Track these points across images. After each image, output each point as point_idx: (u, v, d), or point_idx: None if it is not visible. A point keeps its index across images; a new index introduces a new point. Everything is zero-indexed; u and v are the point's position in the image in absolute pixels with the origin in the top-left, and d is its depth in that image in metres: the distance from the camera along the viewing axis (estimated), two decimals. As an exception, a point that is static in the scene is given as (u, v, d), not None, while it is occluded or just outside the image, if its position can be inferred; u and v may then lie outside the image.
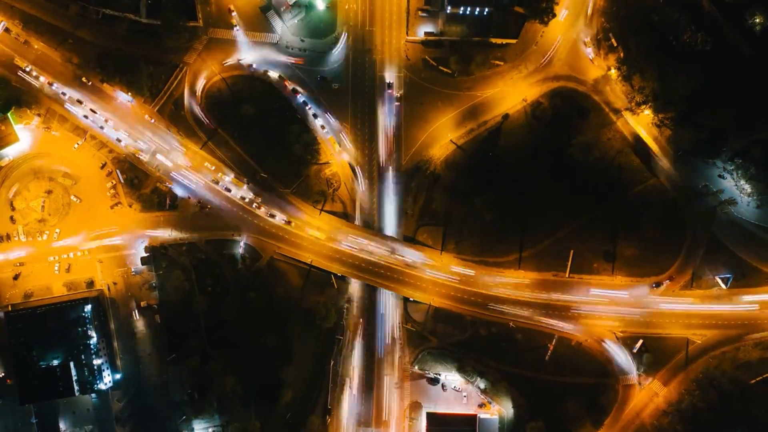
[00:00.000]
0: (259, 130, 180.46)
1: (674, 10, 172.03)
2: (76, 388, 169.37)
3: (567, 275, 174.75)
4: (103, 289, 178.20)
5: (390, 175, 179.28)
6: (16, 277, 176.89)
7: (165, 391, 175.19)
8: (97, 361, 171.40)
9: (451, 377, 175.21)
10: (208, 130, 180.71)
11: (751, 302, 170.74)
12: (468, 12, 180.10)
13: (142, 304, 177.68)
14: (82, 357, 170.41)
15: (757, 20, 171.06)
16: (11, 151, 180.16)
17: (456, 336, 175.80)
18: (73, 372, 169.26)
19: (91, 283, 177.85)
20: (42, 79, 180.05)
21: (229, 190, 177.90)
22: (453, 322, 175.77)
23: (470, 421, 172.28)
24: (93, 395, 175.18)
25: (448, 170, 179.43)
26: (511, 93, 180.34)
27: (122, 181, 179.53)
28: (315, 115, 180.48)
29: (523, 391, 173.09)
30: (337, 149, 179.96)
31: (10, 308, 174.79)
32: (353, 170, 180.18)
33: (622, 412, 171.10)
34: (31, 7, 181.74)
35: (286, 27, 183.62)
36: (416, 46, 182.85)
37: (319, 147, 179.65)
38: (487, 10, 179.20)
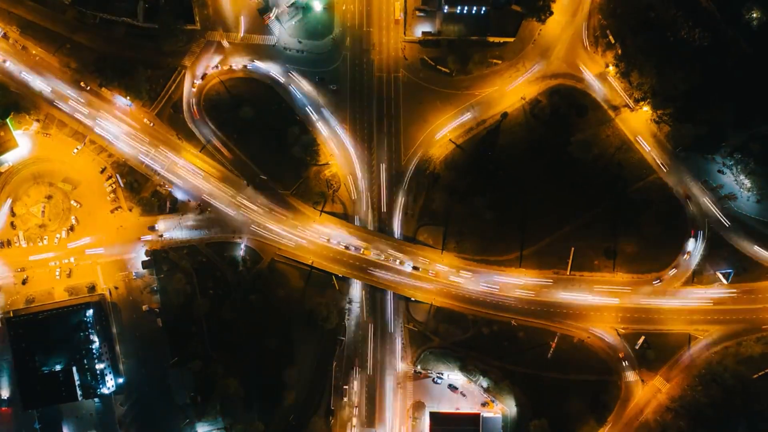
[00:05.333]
0: (258, 132, 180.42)
1: (671, 7, 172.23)
2: (78, 392, 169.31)
3: (568, 273, 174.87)
4: (105, 293, 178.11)
5: (389, 175, 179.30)
6: (24, 282, 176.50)
7: (168, 395, 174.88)
8: (99, 366, 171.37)
9: (454, 376, 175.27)
10: (208, 133, 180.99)
11: (752, 297, 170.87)
12: (465, 11, 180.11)
13: (144, 307, 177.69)
14: (85, 362, 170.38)
15: (755, 15, 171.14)
16: (11, 157, 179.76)
17: (458, 335, 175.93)
18: (76, 377, 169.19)
19: (92, 288, 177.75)
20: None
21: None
22: (455, 321, 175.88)
23: (474, 420, 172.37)
24: (96, 400, 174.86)
25: (447, 170, 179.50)
26: (510, 91, 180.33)
27: (122, 185, 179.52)
28: (314, 116, 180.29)
29: (526, 389, 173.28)
30: (336, 150, 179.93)
31: (11, 314, 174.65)
32: (353, 170, 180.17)
33: (625, 409, 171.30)
34: (29, 13, 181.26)
35: (283, 29, 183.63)
36: (414, 45, 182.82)
37: (319, 148, 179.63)
38: (484, 9, 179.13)
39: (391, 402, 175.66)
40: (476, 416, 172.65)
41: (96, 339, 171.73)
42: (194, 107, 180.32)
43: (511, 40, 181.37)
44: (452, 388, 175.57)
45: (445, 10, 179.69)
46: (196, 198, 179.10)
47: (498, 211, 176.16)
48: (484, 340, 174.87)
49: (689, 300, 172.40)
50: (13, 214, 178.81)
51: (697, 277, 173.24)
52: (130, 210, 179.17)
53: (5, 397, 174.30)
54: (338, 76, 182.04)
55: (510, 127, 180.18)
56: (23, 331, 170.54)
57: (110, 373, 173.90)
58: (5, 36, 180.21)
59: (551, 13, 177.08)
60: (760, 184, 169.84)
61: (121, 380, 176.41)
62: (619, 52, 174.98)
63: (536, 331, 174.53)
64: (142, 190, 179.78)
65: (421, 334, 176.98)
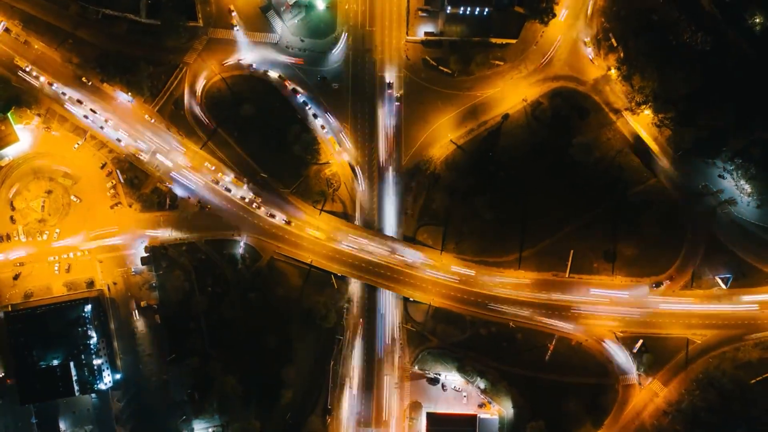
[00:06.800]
0: (259, 130, 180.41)
1: (674, 10, 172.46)
2: (76, 388, 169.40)
3: (567, 275, 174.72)
4: (103, 289, 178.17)
5: (390, 175, 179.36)
6: (16, 277, 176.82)
7: (165, 391, 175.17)
8: (97, 361, 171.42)
9: (451, 377, 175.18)
10: (208, 130, 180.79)
11: (751, 302, 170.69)
12: (468, 12, 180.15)
13: (142, 304, 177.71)
14: (82, 357, 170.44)
15: (757, 20, 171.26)
16: (11, 151, 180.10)
17: (456, 336, 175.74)
18: (73, 372, 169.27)
19: (91, 283, 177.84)
20: (42, 79, 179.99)
21: (229, 190, 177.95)
22: (453, 322, 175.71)
23: (470, 421, 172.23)
24: (93, 395, 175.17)
25: (448, 170, 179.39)
26: (511, 93, 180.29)
27: (122, 181, 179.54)
28: (315, 115, 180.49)
29: (524, 391, 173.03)
30: (337, 149, 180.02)
31: (10, 308, 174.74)
32: (353, 170, 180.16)
33: (622, 412, 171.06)
34: (31, 7, 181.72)
35: (286, 27, 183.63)
36: (416, 46, 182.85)
37: (319, 147, 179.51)
38: (487, 10, 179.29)
39: (389, 402, 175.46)
40: (473, 417, 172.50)
41: (94, 334, 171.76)
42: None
43: (514, 41, 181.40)
44: (456, 389, 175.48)
45: (448, 11, 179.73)
46: (196, 195, 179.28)
47: (498, 212, 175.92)
48: (482, 341, 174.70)
49: (688, 304, 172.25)
50: (12, 208, 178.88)
51: (696, 282, 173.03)
52: (130, 206, 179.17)
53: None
54: (340, 75, 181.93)
55: (511, 128, 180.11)
56: (21, 325, 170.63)
57: (108, 368, 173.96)
58: (7, 30, 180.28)
59: (554, 15, 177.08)
60: (761, 189, 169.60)
61: (118, 376, 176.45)
62: (622, 55, 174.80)
63: (534, 333, 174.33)
64: (143, 186, 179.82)
65: (419, 334, 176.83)
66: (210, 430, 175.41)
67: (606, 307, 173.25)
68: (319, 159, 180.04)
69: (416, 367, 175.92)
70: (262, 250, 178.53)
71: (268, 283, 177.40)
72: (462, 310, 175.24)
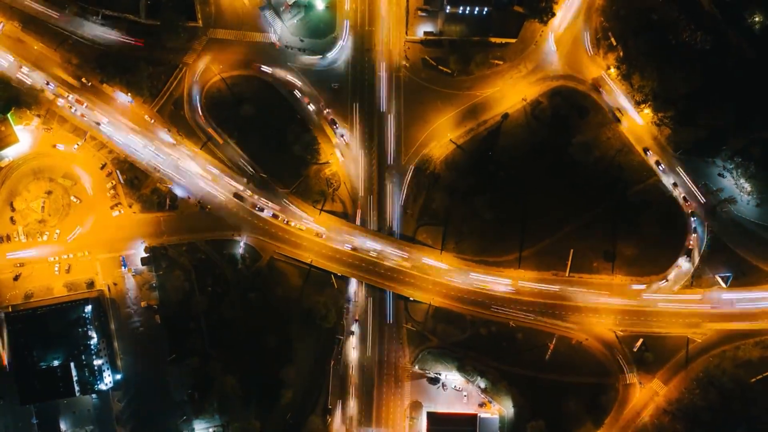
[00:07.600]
0: (259, 130, 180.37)
1: (674, 9, 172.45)
2: (76, 388, 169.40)
3: (567, 274, 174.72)
4: (104, 289, 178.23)
5: (390, 175, 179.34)
6: (16, 278, 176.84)
7: (165, 392, 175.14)
8: (97, 362, 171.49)
9: (452, 377, 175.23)
10: (208, 130, 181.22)
11: (751, 300, 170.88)
12: (467, 11, 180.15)
13: (143, 304, 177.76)
14: (83, 357, 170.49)
15: (757, 19, 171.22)
16: (11, 152, 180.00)
17: (456, 335, 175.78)
18: (74, 372, 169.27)
19: (91, 284, 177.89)
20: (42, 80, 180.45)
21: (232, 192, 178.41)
22: (453, 321, 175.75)
23: (471, 420, 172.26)
24: (93, 396, 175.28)
25: (448, 170, 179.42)
26: (511, 92, 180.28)
27: (122, 181, 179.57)
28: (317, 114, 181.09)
29: (524, 390, 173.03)
30: (337, 149, 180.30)
31: (10, 309, 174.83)
32: (353, 170, 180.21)
33: (622, 412, 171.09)
34: (31, 8, 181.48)
35: (285, 27, 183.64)
36: (416, 45, 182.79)
37: (319, 147, 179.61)
38: (486, 9, 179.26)
39: (389, 402, 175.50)
40: (473, 417, 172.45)
41: (94, 335, 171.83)
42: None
43: (513, 41, 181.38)
44: (456, 389, 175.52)
45: (448, 11, 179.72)
46: (195, 195, 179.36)
47: (498, 212, 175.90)
48: (483, 341, 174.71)
49: (688, 303, 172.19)
50: (12, 209, 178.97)
51: (696, 281, 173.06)
52: (130, 206, 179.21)
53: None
54: (339, 75, 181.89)
55: (511, 128, 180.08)
56: (22, 326, 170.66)
57: (108, 369, 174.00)
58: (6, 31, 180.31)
59: (553, 15, 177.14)
60: (760, 188, 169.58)
61: (118, 376, 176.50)
62: (621, 54, 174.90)
63: (534, 332, 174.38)
64: (142, 186, 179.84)
65: (420, 334, 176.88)
66: (210, 430, 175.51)
67: (606, 307, 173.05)
68: (319, 159, 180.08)
69: (416, 367, 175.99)
70: (262, 250, 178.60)
71: (268, 283, 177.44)
72: (462, 310, 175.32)
